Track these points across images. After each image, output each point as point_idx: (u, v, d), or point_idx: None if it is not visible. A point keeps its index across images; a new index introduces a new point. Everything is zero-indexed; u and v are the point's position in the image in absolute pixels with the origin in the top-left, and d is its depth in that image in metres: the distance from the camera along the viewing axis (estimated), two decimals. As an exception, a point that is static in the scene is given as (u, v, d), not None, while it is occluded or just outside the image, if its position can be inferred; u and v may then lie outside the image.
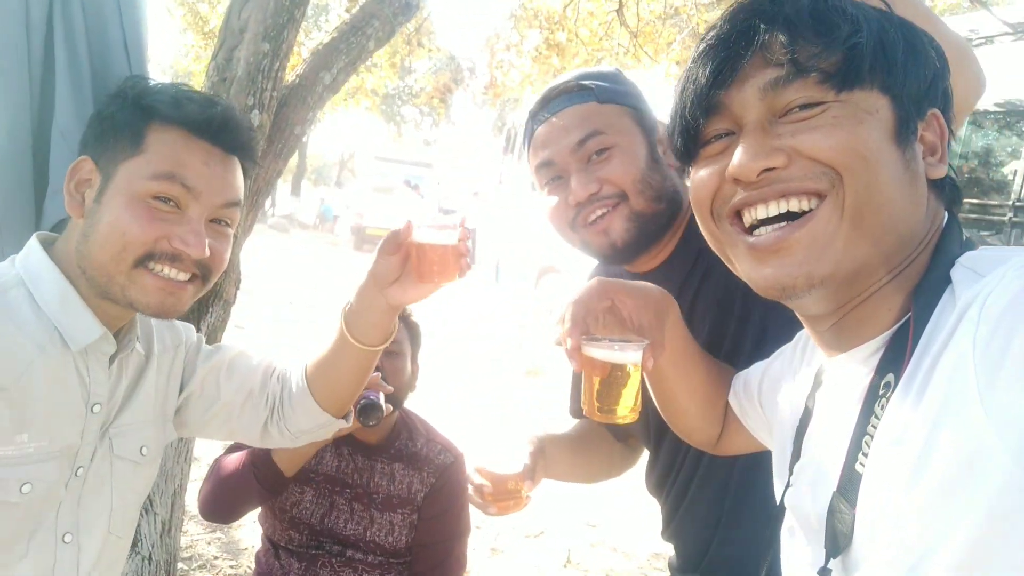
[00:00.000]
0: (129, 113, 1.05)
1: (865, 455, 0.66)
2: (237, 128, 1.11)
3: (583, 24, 6.88)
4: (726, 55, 0.71)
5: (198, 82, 2.27)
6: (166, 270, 1.03)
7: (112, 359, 1.11)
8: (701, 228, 0.80)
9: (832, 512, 0.69)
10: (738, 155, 0.69)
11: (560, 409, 1.66)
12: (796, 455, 0.84)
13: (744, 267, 0.74)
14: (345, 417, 1.33)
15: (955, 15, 5.01)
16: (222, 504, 1.72)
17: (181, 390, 1.27)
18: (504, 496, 1.29)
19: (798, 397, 0.88)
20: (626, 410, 0.91)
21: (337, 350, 1.24)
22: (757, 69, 0.69)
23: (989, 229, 4.37)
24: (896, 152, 0.68)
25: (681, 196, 1.33)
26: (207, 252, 1.04)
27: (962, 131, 4.41)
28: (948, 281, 0.67)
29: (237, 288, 2.28)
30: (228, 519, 1.80)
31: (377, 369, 1.57)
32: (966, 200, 4.31)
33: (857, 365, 0.73)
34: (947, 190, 0.74)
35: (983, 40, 4.44)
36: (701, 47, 0.73)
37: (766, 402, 0.99)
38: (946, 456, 0.57)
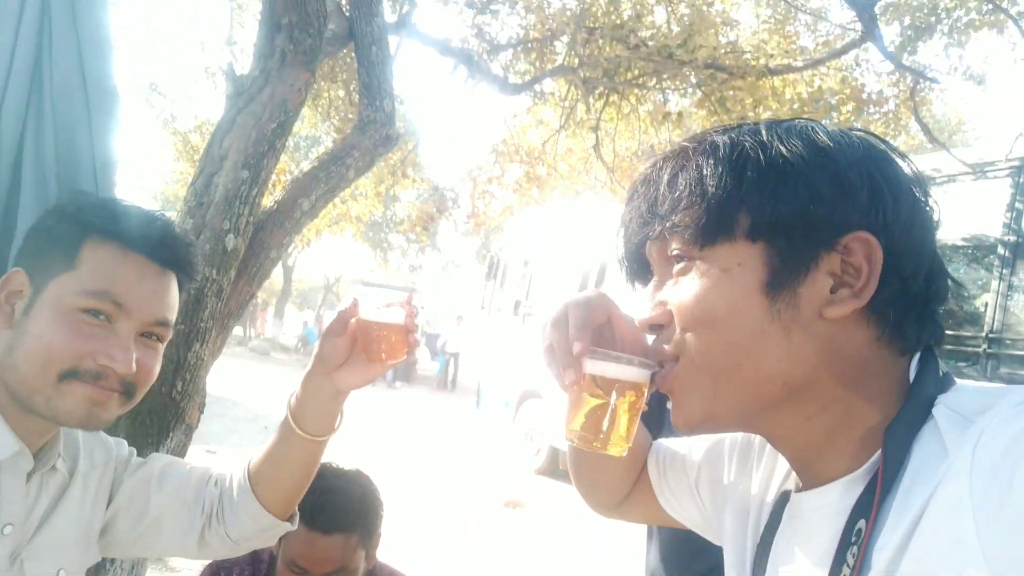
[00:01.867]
0: (66, 227, 1.04)
1: None
2: (175, 243, 1.10)
3: (562, 159, 7.17)
4: (624, 227, 0.78)
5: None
6: (88, 390, 0.99)
7: (30, 476, 1.05)
8: None
9: None
10: (639, 310, 0.76)
11: (544, 545, 1.59)
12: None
13: None
14: (290, 519, 1.26)
15: (918, 155, 5.26)
16: None
17: (108, 506, 1.20)
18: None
19: (755, 511, 0.84)
20: (624, 442, 0.77)
21: (282, 442, 1.18)
22: (645, 231, 0.75)
23: (964, 360, 4.41)
24: (760, 302, 0.66)
25: None
26: (134, 368, 1.01)
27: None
28: (925, 419, 0.64)
29: (200, 412, 2.22)
30: None
31: None
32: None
33: (826, 501, 0.70)
34: (915, 324, 0.69)
35: (946, 178, 4.65)
36: (624, 212, 0.79)
37: (706, 493, 0.93)
38: None
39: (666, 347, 0.72)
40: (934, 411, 0.64)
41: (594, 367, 0.76)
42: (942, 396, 0.66)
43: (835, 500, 0.68)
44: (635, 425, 0.78)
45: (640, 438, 1.04)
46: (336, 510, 1.53)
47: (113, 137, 1.35)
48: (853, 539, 0.64)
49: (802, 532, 0.72)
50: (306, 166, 2.77)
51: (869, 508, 0.63)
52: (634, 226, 0.76)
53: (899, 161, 0.70)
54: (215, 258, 2.17)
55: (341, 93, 6.04)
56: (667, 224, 0.70)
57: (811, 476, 0.72)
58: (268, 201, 2.54)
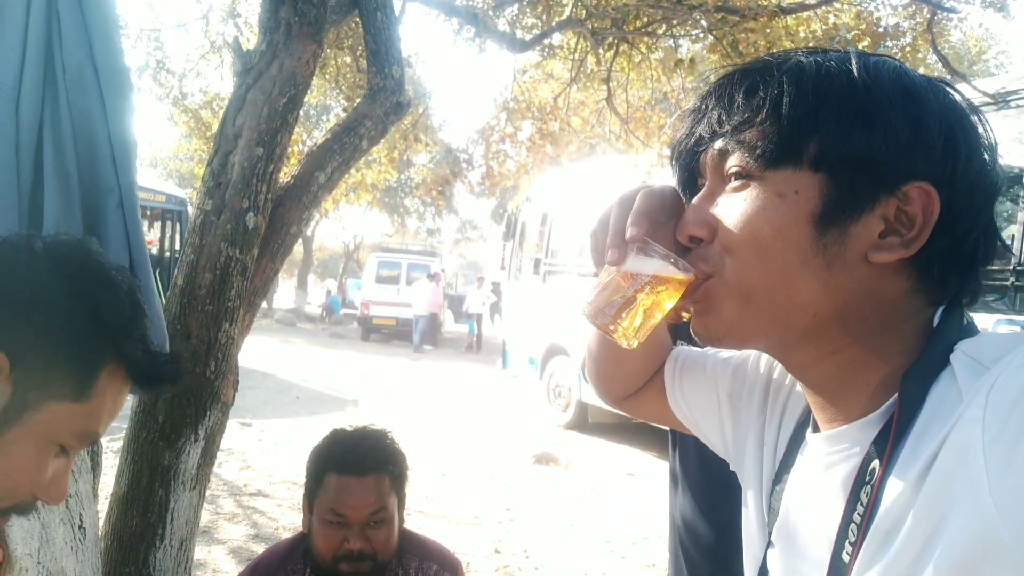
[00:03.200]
0: (89, 341, 0.82)
1: (851, 543, 0.64)
2: (178, 377, 0.93)
3: (574, 113, 7.08)
4: (687, 129, 0.75)
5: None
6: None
7: None
8: None
9: None
10: (680, 219, 0.75)
11: (574, 499, 1.63)
12: (772, 511, 0.81)
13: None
14: None
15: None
16: None
17: None
18: None
19: (770, 448, 0.85)
20: (636, 335, 0.75)
21: None
22: (710, 141, 0.73)
23: (993, 294, 4.36)
24: (808, 234, 0.66)
25: None
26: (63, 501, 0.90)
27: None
28: (944, 365, 0.65)
29: (235, 390, 2.26)
30: None
31: (366, 542, 1.56)
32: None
33: (843, 443, 0.71)
34: (957, 280, 0.68)
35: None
36: (683, 116, 0.77)
37: (728, 412, 0.94)
38: (952, 552, 0.55)
39: (702, 264, 0.71)
40: (951, 357, 0.64)
41: (638, 257, 0.74)
42: (961, 343, 0.66)
43: (850, 441, 0.70)
44: (653, 324, 0.76)
45: (663, 337, 1.05)
46: (366, 453, 1.59)
47: (128, 119, 1.36)
48: (868, 478, 0.65)
49: (817, 472, 0.74)
50: (319, 138, 2.77)
51: (884, 449, 0.64)
52: (698, 132, 0.73)
53: (978, 122, 0.69)
54: (237, 237, 2.19)
55: (348, 60, 5.99)
56: (735, 137, 0.69)
57: (828, 417, 0.73)
58: (284, 176, 2.55)
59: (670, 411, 1.02)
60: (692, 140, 0.74)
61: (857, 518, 0.64)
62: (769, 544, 0.81)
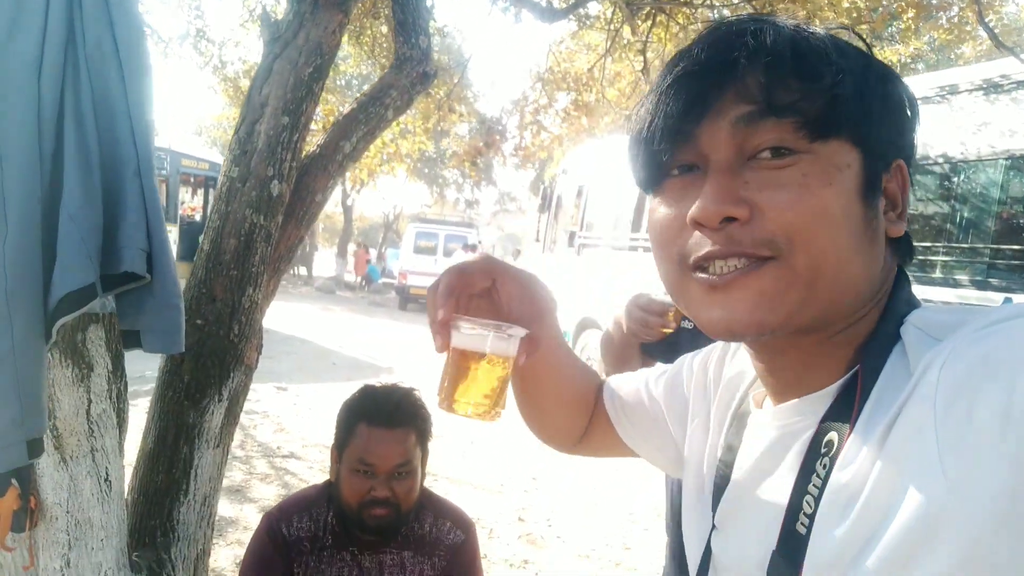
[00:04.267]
0: None
1: (807, 515, 0.64)
2: None
3: (610, 84, 6.99)
4: (700, 87, 0.65)
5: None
6: None
7: None
8: (660, 267, 0.73)
9: (774, 571, 0.67)
10: (702, 199, 0.64)
11: (599, 469, 1.69)
12: (717, 496, 0.81)
13: (695, 308, 0.70)
14: None
15: (986, 61, 4.95)
16: None
17: None
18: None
19: (715, 431, 0.86)
20: (494, 407, 0.78)
21: None
22: (731, 104, 0.64)
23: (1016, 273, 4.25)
24: (860, 210, 0.64)
25: None
26: None
27: (1000, 177, 4.33)
28: (897, 339, 0.65)
29: (259, 353, 2.33)
30: None
31: (390, 492, 1.63)
32: (1009, 246, 4.21)
33: (795, 416, 0.71)
34: (902, 244, 0.71)
35: (1014, 85, 4.38)
36: (674, 73, 0.67)
37: (675, 423, 0.95)
38: (904, 523, 0.55)
39: (753, 248, 0.63)
40: (902, 331, 0.65)
41: (457, 337, 0.76)
42: (911, 316, 0.66)
43: (803, 414, 0.70)
44: (504, 391, 0.78)
45: (582, 381, 1.04)
46: (394, 408, 1.66)
47: (146, 93, 1.39)
48: (824, 450, 0.65)
49: (764, 447, 0.74)
50: (347, 109, 2.79)
51: (839, 422, 0.64)
52: (709, 99, 0.64)
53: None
54: (261, 204, 2.23)
55: (384, 29, 5.99)
56: (786, 103, 0.61)
57: (780, 393, 0.73)
58: (310, 145, 2.59)
59: (622, 444, 1.03)
60: (695, 109, 0.65)
61: (814, 490, 0.64)
62: (713, 528, 0.81)
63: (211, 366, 2.16)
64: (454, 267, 0.82)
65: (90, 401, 1.82)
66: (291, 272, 26.05)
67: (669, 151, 0.68)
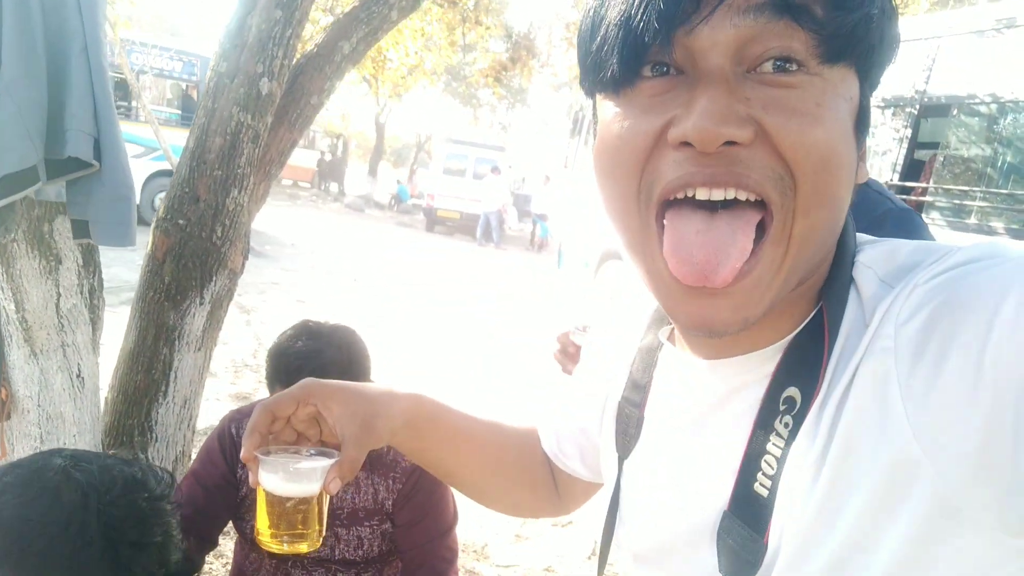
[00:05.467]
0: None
1: (767, 476, 0.59)
2: None
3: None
4: None
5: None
6: None
7: None
8: (607, 195, 0.59)
9: (727, 533, 0.61)
10: (699, 115, 0.50)
11: None
12: (622, 433, 0.74)
13: (663, 293, 0.57)
14: None
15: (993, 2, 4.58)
16: None
17: None
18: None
19: (618, 361, 0.79)
20: (307, 538, 0.77)
21: None
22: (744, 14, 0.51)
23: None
24: (854, 150, 0.55)
25: None
26: None
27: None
28: (850, 282, 0.58)
29: (245, 259, 2.26)
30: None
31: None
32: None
33: (742, 372, 0.63)
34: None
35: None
36: None
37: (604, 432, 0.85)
38: (874, 482, 0.52)
39: (757, 185, 0.52)
40: (854, 273, 0.59)
41: (261, 475, 0.75)
42: (860, 254, 0.59)
43: (752, 371, 0.62)
44: (316, 519, 0.77)
45: (503, 445, 0.95)
46: (317, 370, 1.51)
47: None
48: (782, 407, 0.59)
49: (702, 401, 0.66)
50: (346, 7, 2.65)
51: (799, 377, 0.58)
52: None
53: None
54: (249, 103, 2.13)
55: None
56: (812, 5, 0.50)
57: (720, 349, 0.63)
58: (308, 45, 2.46)
59: (596, 483, 0.93)
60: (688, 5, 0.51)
61: (775, 450, 0.58)
62: (621, 463, 0.76)
63: (192, 268, 2.11)
64: (261, 403, 0.79)
65: (59, 295, 1.78)
66: (321, 187, 26.07)
67: (650, 44, 0.52)
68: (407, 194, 24.30)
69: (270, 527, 0.76)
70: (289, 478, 0.74)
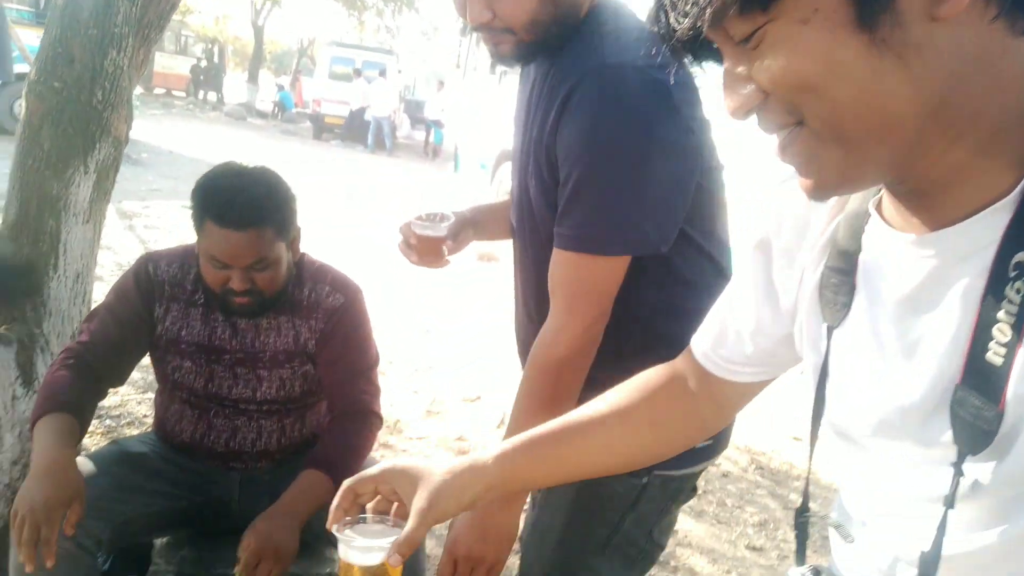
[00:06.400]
0: None
1: (1001, 344, 0.59)
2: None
3: None
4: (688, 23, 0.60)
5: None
6: None
7: None
8: None
9: (959, 406, 0.63)
10: (725, 98, 0.64)
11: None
12: (826, 301, 0.76)
13: None
14: None
15: None
16: None
17: None
18: (428, 252, 1.48)
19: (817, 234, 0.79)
20: None
21: None
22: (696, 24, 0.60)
23: None
24: (863, 41, 0.55)
25: None
26: None
27: None
28: None
29: (128, 126, 2.16)
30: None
31: (250, 284, 1.55)
32: None
33: (961, 240, 0.63)
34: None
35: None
36: None
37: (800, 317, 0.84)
38: None
39: (782, 118, 0.62)
40: None
41: (340, 548, 0.90)
42: None
43: (975, 237, 0.62)
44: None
45: (645, 406, 0.96)
46: (243, 207, 1.51)
47: None
48: (1013, 273, 0.58)
49: (921, 275, 0.66)
50: None
51: None
52: (681, 25, 0.60)
53: None
54: (122, -43, 1.99)
55: None
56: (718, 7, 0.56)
57: (933, 217, 0.65)
58: None
59: (754, 385, 0.94)
60: (687, 35, 0.60)
61: (1007, 316, 0.59)
62: (825, 375, 0.77)
63: (73, 134, 2.00)
64: (345, 483, 0.92)
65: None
66: (199, 96, 24.53)
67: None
68: (291, 102, 23.22)
69: None
70: (354, 552, 0.89)
